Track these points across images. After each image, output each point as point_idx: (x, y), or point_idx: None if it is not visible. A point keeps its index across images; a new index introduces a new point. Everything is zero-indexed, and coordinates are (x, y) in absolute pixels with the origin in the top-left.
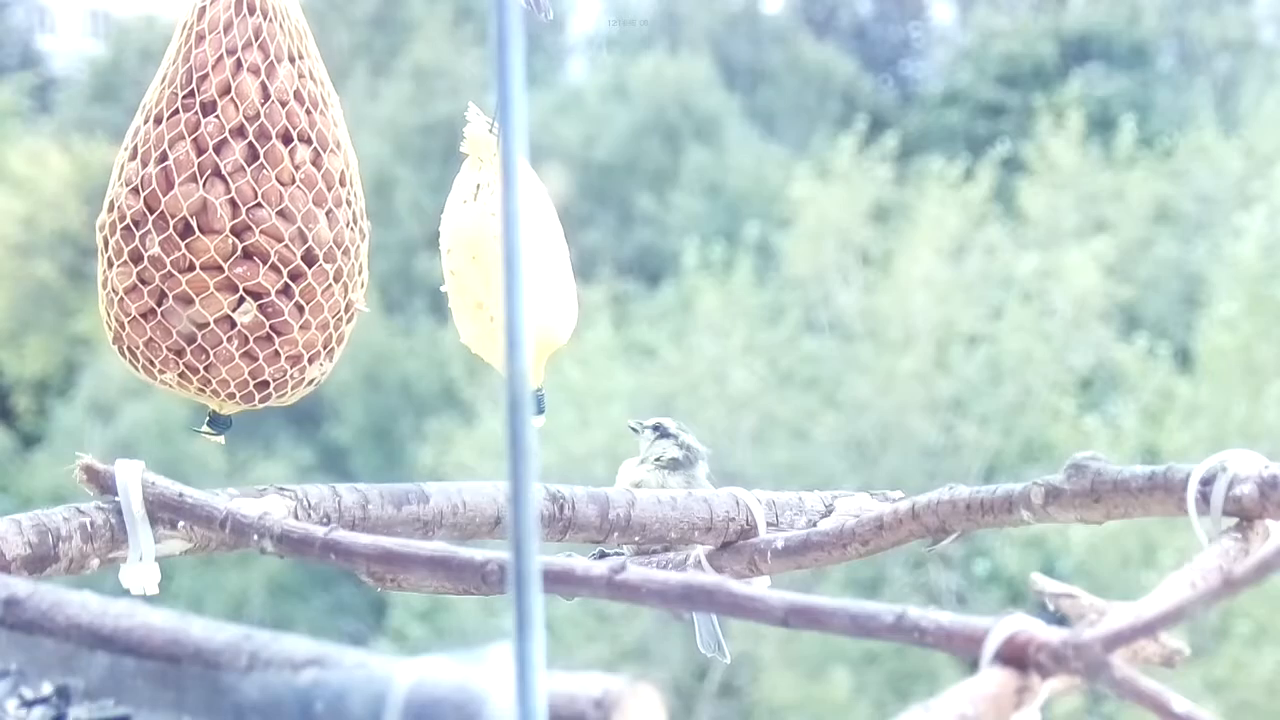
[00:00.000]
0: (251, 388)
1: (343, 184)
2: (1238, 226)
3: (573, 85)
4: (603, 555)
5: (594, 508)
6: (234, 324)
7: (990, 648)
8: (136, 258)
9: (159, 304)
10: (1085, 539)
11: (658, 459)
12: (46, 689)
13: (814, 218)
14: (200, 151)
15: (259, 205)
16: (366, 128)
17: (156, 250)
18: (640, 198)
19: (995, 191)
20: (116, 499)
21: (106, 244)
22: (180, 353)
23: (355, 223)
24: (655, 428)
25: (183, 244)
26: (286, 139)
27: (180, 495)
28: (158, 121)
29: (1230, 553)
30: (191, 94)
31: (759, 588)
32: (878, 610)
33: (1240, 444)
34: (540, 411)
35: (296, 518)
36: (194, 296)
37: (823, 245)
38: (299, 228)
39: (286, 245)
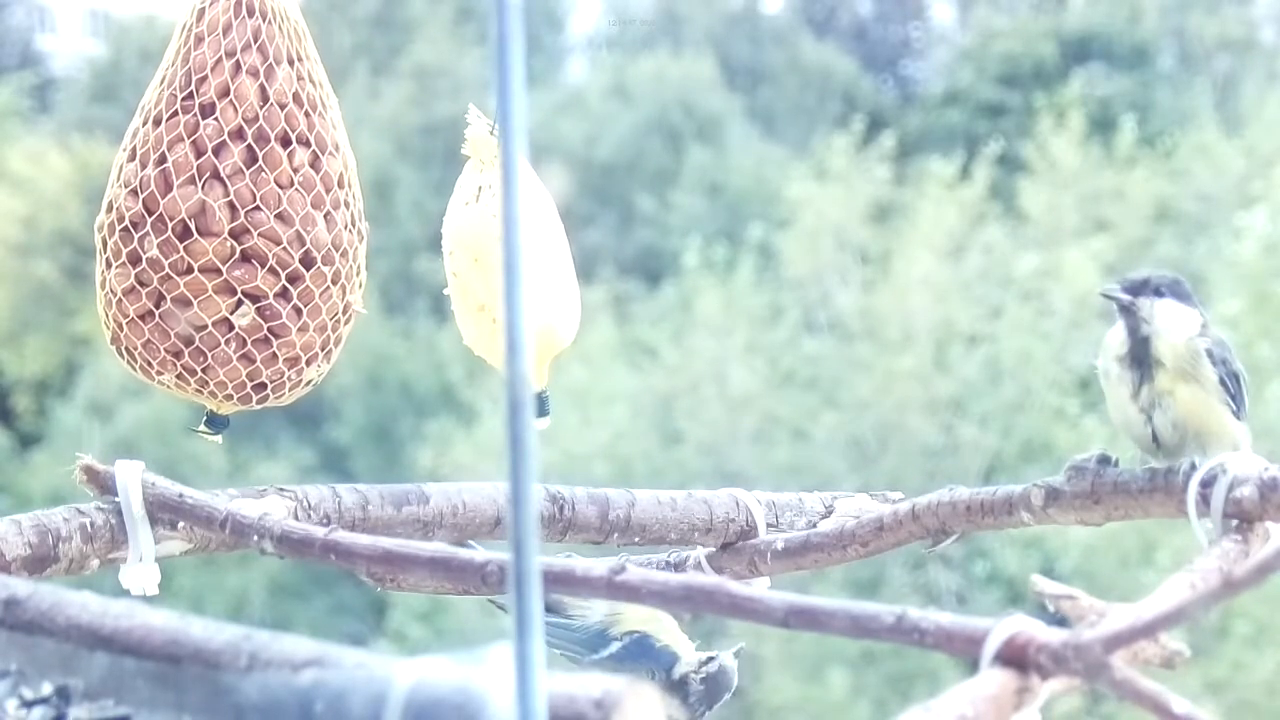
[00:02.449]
0: (249, 389)
1: (341, 186)
2: (1238, 226)
3: (573, 85)
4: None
5: (594, 508)
6: (232, 326)
7: (990, 649)
8: (135, 259)
9: (157, 306)
10: (1084, 540)
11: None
12: (46, 689)
13: (812, 218)
14: (199, 154)
15: (257, 208)
16: (367, 128)
17: (155, 252)
18: (641, 198)
19: (995, 191)
20: (116, 499)
21: (105, 245)
22: (178, 354)
23: (353, 225)
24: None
25: (181, 246)
26: (285, 141)
27: (180, 496)
28: (156, 123)
29: (1230, 554)
30: (190, 96)
31: (759, 589)
32: (878, 611)
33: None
34: (545, 414)
35: (296, 518)
36: (192, 299)
37: (821, 245)
38: (297, 230)
39: (285, 248)
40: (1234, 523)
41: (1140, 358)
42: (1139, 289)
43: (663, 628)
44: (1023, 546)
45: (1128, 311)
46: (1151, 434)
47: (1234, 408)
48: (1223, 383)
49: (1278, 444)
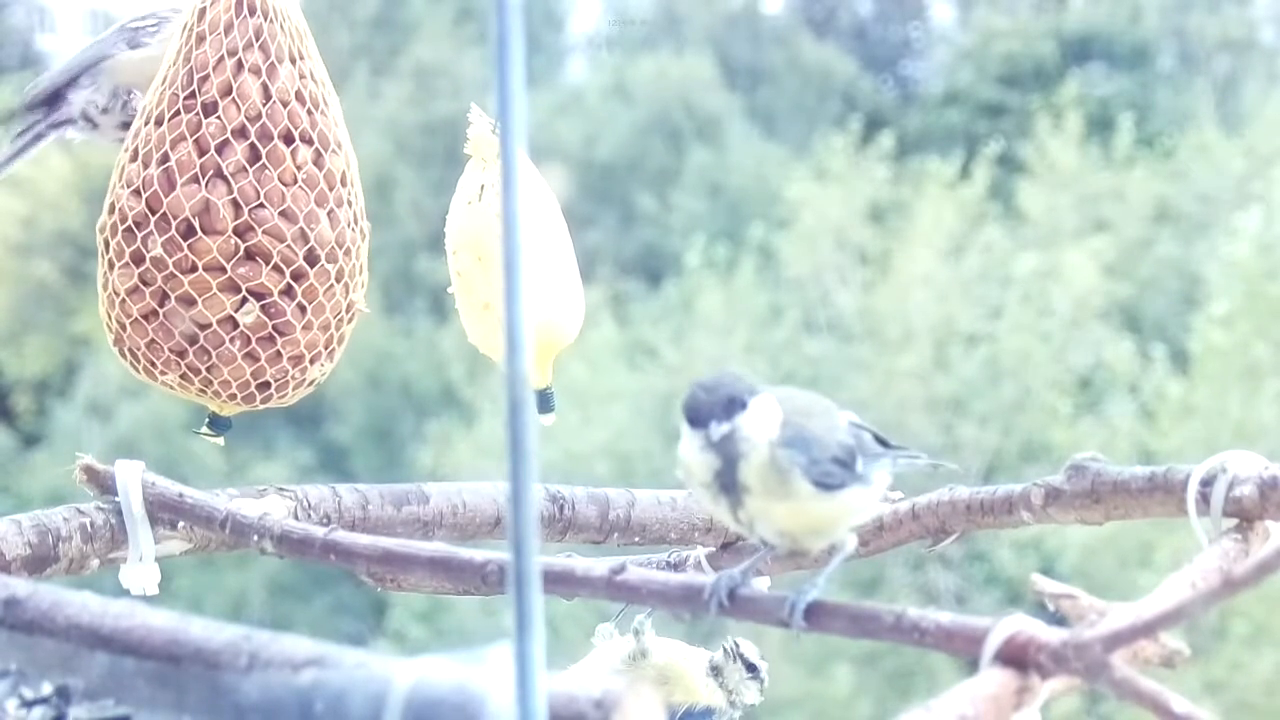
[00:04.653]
0: (253, 388)
1: (344, 184)
2: (1234, 226)
3: (573, 85)
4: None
5: (594, 508)
6: (236, 325)
7: (990, 648)
8: (138, 259)
9: (161, 305)
10: (1083, 540)
11: (731, 698)
12: (46, 689)
13: (812, 218)
14: (202, 152)
15: (261, 205)
16: (367, 128)
17: (159, 251)
18: (641, 198)
19: (994, 191)
20: (116, 499)
21: (107, 246)
22: (182, 354)
23: (356, 223)
24: (750, 667)
25: (185, 245)
26: (288, 139)
27: (180, 495)
28: (159, 123)
29: (1230, 553)
30: (193, 95)
31: (758, 588)
32: (878, 611)
33: (1236, 444)
34: (549, 410)
35: (296, 518)
36: (196, 297)
37: (821, 245)
38: (301, 228)
39: (289, 245)
40: (1234, 521)
41: (728, 482)
42: (729, 410)
43: (685, 686)
44: (1021, 547)
45: (730, 438)
46: (762, 540)
47: (845, 483)
48: (820, 482)
49: (1274, 443)
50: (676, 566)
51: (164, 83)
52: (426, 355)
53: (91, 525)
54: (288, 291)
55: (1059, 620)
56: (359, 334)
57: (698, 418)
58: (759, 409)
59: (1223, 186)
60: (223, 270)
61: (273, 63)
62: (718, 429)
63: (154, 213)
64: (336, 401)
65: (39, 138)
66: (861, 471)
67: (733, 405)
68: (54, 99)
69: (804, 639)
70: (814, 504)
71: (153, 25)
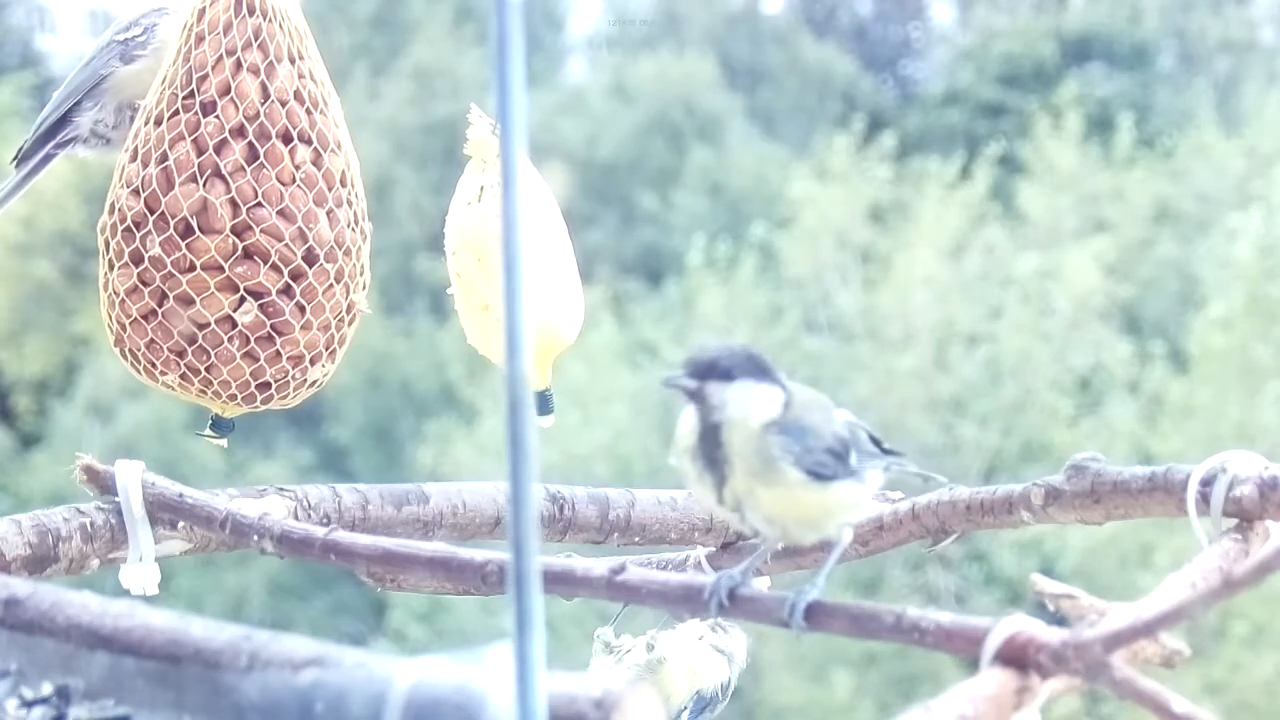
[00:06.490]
0: (253, 389)
1: (343, 184)
2: (1233, 226)
3: (573, 85)
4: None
5: (594, 508)
6: (235, 324)
7: (990, 648)
8: (137, 259)
9: (160, 305)
10: (1082, 542)
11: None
12: (46, 689)
13: (813, 217)
14: (200, 151)
15: (259, 204)
16: (367, 128)
17: (157, 251)
18: (642, 197)
19: (994, 191)
20: (116, 499)
21: (107, 246)
22: (181, 354)
23: (356, 223)
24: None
25: (183, 244)
26: (287, 138)
27: (180, 496)
28: (157, 123)
29: (1230, 553)
30: (191, 94)
31: (758, 589)
32: (878, 611)
33: (1236, 444)
34: (548, 412)
35: (296, 518)
36: (195, 297)
37: (821, 245)
38: (299, 227)
39: (287, 245)
40: (1234, 521)
41: (712, 455)
42: (706, 373)
43: (707, 671)
44: (1021, 547)
45: (697, 398)
46: (752, 528)
47: (838, 475)
48: (813, 471)
49: (1274, 445)
50: (677, 567)
51: (164, 82)
52: (426, 355)
53: (91, 525)
54: (286, 291)
55: (1059, 620)
56: (359, 334)
57: (694, 369)
58: (750, 388)
59: (1223, 186)
60: (220, 269)
61: (271, 62)
62: (701, 386)
63: (152, 212)
64: (336, 401)
65: (48, 159)
66: (855, 466)
67: (729, 374)
68: (60, 123)
69: (805, 644)
70: (805, 493)
71: (141, 35)
